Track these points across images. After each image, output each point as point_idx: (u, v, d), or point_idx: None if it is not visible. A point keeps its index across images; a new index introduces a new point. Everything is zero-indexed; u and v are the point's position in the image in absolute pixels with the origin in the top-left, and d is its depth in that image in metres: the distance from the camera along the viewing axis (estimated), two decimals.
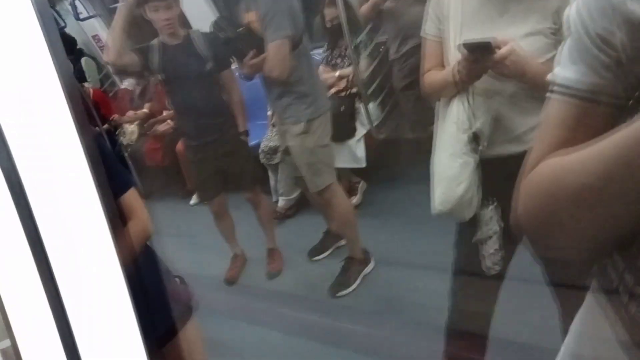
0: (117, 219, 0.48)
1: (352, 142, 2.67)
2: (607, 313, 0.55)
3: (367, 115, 2.66)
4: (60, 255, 0.54)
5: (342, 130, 2.66)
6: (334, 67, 2.79)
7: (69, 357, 0.56)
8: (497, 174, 1.19)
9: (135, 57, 2.15)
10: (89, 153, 0.45)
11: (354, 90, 2.68)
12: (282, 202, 2.90)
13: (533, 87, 1.10)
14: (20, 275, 0.55)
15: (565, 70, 0.53)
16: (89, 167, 0.46)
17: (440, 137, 1.24)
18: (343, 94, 2.71)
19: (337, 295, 2.12)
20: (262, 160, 2.77)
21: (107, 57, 2.17)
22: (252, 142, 2.62)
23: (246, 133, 2.33)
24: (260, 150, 2.75)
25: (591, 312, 0.59)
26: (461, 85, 1.17)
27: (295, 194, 2.83)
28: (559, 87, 0.53)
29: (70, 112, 0.44)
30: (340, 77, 2.74)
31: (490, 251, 1.24)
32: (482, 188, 1.23)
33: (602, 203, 0.45)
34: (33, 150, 0.53)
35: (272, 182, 2.92)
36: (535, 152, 0.55)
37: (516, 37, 1.10)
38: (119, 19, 1.96)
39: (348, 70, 2.70)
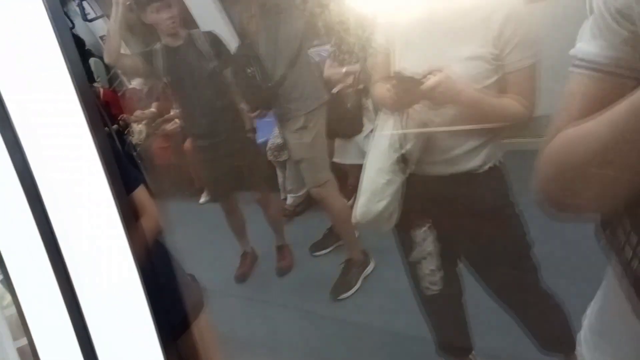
0: (131, 215, 0.49)
1: (359, 138, 2.66)
2: (621, 282, 0.58)
3: (375, 111, 2.65)
4: (75, 253, 0.55)
5: (350, 126, 2.65)
6: (342, 62, 2.78)
7: (84, 352, 0.57)
8: (430, 193, 1.17)
9: (137, 61, 2.15)
10: (101, 152, 0.46)
11: (361, 86, 2.67)
12: (290, 199, 2.90)
13: (469, 113, 1.08)
14: (35, 274, 0.57)
15: (586, 44, 0.55)
16: (102, 166, 0.47)
17: (374, 146, 1.22)
18: (350, 90, 2.70)
19: (339, 298, 2.14)
20: (270, 158, 2.77)
21: (106, 58, 2.18)
22: (259, 140, 2.63)
23: (254, 130, 2.33)
24: (267, 148, 2.76)
25: (610, 285, 0.63)
26: (395, 108, 1.15)
27: (303, 191, 2.83)
28: (580, 61, 0.56)
29: (84, 112, 0.45)
30: (347, 74, 2.73)
31: (426, 272, 1.23)
32: (416, 208, 1.20)
33: (609, 166, 0.49)
34: (46, 150, 0.54)
35: (280, 180, 2.92)
36: (555, 123, 0.57)
37: (457, 59, 1.07)
38: (114, 18, 1.95)
39: (355, 67, 2.69)
